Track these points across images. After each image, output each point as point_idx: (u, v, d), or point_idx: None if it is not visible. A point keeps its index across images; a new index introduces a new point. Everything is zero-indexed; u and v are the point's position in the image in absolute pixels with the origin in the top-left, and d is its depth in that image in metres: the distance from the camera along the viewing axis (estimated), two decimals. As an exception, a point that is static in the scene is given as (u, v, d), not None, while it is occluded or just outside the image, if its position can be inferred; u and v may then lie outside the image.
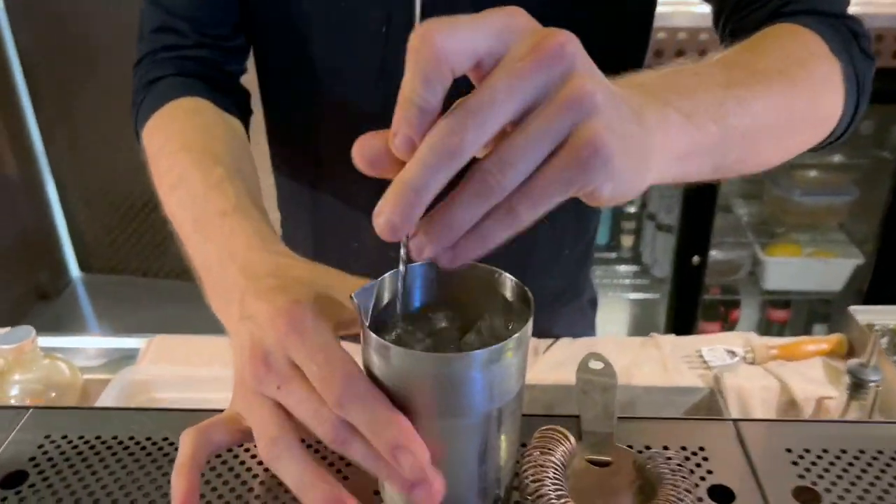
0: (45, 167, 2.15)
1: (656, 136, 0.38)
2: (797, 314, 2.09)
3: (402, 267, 0.38)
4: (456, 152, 0.31)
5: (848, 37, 0.58)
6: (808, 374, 0.86)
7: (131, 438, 0.53)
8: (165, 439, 0.53)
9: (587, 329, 0.97)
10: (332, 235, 0.83)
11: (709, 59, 0.51)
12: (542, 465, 0.46)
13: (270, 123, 0.82)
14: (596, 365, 0.56)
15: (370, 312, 0.40)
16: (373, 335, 0.37)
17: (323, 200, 0.81)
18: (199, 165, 0.55)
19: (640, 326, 2.18)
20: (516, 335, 0.37)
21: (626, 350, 0.88)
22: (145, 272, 2.25)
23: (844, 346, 0.87)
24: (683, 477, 0.46)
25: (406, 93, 0.32)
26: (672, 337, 0.91)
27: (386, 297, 0.41)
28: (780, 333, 1.65)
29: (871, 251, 1.91)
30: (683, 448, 0.51)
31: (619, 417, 0.53)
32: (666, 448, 0.51)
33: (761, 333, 0.92)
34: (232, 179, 0.53)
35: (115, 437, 0.53)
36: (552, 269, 0.86)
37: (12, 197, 2.10)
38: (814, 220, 2.00)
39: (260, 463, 0.50)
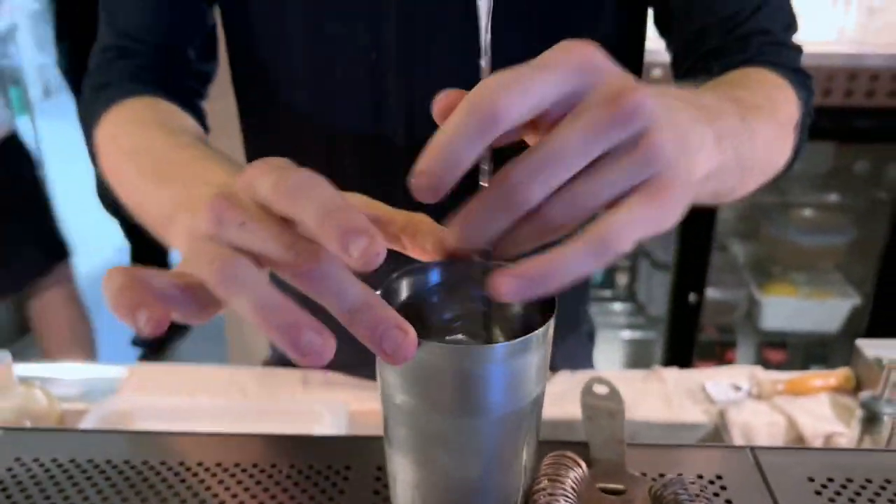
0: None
1: (700, 157, 0.37)
2: (794, 355, 2.06)
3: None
4: (522, 205, 0.32)
5: (808, 90, 0.59)
6: (816, 411, 0.83)
7: (108, 462, 0.49)
8: (145, 463, 0.49)
9: (586, 362, 0.94)
10: None
11: (706, 88, 0.50)
12: (552, 494, 0.43)
13: (248, 148, 0.76)
14: (601, 389, 0.53)
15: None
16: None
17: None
18: (162, 131, 0.51)
19: (636, 366, 2.14)
20: (540, 330, 0.36)
21: (627, 383, 0.85)
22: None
23: (852, 380, 0.85)
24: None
25: (444, 140, 0.31)
26: (675, 370, 0.88)
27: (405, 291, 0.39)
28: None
29: (869, 292, 1.89)
30: (700, 476, 0.48)
31: (629, 444, 0.50)
32: (681, 475, 0.48)
33: (759, 374, 0.89)
34: (201, 143, 0.49)
35: (90, 461, 0.49)
36: None
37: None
38: (810, 261, 1.98)
39: (246, 489, 0.47)
